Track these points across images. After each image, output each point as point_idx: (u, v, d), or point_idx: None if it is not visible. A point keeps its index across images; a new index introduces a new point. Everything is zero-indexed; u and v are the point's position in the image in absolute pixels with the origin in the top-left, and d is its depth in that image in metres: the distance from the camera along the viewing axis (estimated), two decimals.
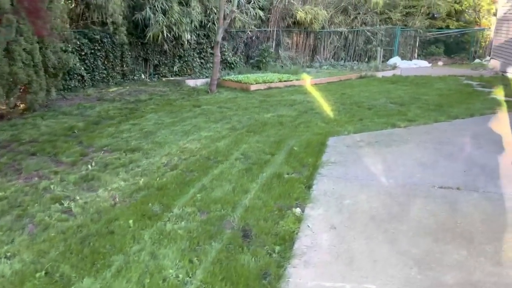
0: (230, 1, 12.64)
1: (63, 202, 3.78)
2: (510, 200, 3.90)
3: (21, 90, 7.35)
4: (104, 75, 11.03)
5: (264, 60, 14.40)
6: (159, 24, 11.16)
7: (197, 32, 12.80)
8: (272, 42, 15.62)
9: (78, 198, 3.84)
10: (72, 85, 9.93)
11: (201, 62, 13.16)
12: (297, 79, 12.01)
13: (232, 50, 14.31)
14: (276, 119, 7.38)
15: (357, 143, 5.86)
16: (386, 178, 4.52)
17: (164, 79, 12.28)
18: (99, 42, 10.61)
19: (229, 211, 3.64)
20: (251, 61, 14.78)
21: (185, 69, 12.89)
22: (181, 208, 3.67)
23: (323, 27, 16.65)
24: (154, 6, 11.19)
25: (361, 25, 17.79)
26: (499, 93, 9.97)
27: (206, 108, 8.31)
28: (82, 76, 10.20)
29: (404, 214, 3.67)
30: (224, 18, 10.38)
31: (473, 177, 4.51)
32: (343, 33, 17.32)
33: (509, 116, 7.63)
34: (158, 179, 4.34)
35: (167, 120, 7.13)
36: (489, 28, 19.71)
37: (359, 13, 17.70)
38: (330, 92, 10.47)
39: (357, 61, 17.40)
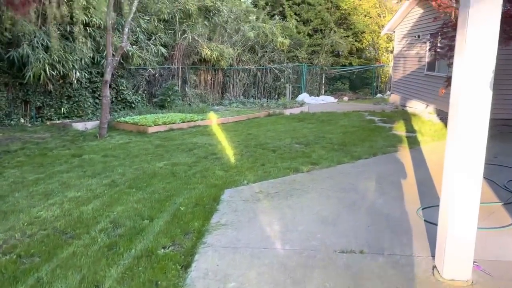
0: (128, 37, 11.75)
1: None
2: (418, 265, 3.36)
3: None
4: None
5: (169, 99, 13.52)
6: (40, 62, 9.81)
7: (89, 70, 11.58)
8: (178, 80, 14.87)
9: None
10: None
11: (95, 103, 11.88)
12: (202, 119, 11.26)
13: (133, 89, 13.25)
14: (168, 168, 6.45)
15: (256, 196, 5.14)
16: (282, 242, 3.79)
17: (49, 122, 10.77)
18: None
19: None
20: (155, 99, 13.82)
21: (75, 110, 11.50)
22: None
23: (231, 65, 16.35)
24: (33, 42, 9.84)
25: (269, 63, 17.83)
26: (399, 129, 10.12)
27: (88, 158, 7.12)
28: None
29: None
30: (113, 55, 9.39)
31: (377, 234, 3.97)
32: (251, 71, 17.18)
33: (410, 153, 7.55)
34: None
35: (30, 177, 5.84)
36: (388, 64, 21.05)
37: (266, 51, 17.76)
38: (235, 132, 9.85)
39: (267, 98, 17.29)
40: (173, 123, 10.34)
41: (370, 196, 5.13)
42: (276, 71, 17.79)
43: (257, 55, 17.63)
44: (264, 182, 5.74)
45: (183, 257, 3.50)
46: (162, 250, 3.64)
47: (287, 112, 13.38)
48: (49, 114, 11.06)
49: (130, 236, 3.88)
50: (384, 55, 22.78)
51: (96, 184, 5.53)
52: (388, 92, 18.88)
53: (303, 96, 17.34)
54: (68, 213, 4.43)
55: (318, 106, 15.50)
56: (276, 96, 17.77)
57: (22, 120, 10.61)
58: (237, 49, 16.65)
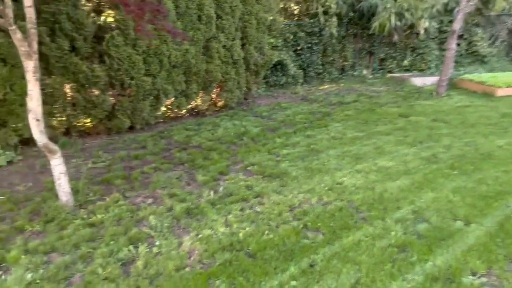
0: None
1: (138, 245, 3.06)
2: None
3: (218, 88, 7.39)
4: (320, 71, 10.30)
5: None
6: (387, 11, 9.46)
7: (440, 19, 10.35)
8: None
9: (157, 242, 3.13)
10: (283, 82, 9.59)
11: (441, 55, 10.63)
12: None
13: (489, 40, 11.03)
14: (510, 150, 4.83)
15: None
16: None
17: (388, 75, 10.54)
18: (317, 35, 9.86)
19: None
20: None
21: (418, 63, 10.75)
22: None
23: None
24: None
25: None
26: None
27: (414, 120, 6.35)
28: (295, 73, 9.70)
29: None
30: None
31: None
32: None
33: None
34: (265, 234, 3.17)
35: (349, 134, 5.71)
36: None
37: None
38: None
39: None
40: None
41: None
42: None
43: None
44: None
45: None
46: (471, 277, 2.59)
47: None
48: (390, 66, 10.83)
49: (430, 240, 3.00)
50: None
51: (413, 156, 4.77)
52: None
53: None
54: (370, 187, 3.95)
55: None
56: None
57: (364, 72, 10.86)
58: None
